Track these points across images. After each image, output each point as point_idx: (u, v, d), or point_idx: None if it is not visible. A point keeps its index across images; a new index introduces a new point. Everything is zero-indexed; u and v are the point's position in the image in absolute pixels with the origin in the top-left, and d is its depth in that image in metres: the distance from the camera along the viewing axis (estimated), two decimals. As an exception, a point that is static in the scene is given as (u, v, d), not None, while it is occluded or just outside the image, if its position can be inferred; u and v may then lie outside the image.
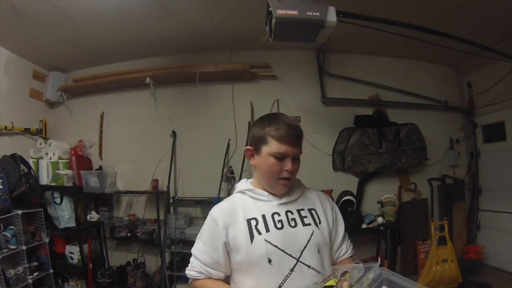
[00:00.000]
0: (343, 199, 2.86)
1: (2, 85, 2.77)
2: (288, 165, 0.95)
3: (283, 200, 1.00)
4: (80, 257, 2.85)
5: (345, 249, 1.07)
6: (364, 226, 2.84)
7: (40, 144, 3.04)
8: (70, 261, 2.90)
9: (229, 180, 2.98)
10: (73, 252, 2.89)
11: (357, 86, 3.26)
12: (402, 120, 3.21)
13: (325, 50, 3.17)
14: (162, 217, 2.88)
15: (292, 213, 0.98)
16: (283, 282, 0.90)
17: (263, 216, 0.96)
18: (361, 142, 3.03)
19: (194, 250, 1.02)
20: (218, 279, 0.99)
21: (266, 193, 1.01)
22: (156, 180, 2.94)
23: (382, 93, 3.31)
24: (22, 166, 2.70)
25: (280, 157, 0.95)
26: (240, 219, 0.96)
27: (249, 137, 1.05)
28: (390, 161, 3.03)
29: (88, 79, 3.17)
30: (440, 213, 3.25)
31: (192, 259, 1.02)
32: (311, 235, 0.96)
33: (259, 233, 0.93)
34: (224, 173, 2.96)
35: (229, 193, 2.93)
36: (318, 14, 1.58)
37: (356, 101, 3.23)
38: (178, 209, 3.01)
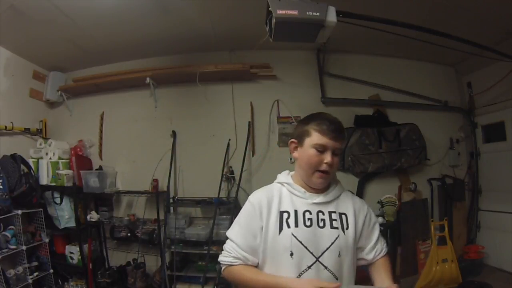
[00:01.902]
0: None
1: (2, 85, 2.77)
2: (327, 157, 1.00)
3: (317, 200, 1.03)
4: (80, 257, 2.85)
5: (380, 249, 1.11)
6: (364, 226, 2.84)
7: (40, 144, 3.04)
8: (70, 261, 2.90)
9: (229, 180, 2.98)
10: (73, 252, 2.89)
11: (357, 86, 3.26)
12: (402, 120, 3.20)
13: (325, 50, 3.17)
14: (162, 217, 2.88)
15: (323, 214, 1.02)
16: (299, 276, 0.95)
17: (296, 211, 1.00)
18: (361, 142, 3.03)
19: (230, 233, 1.05)
20: (253, 266, 1.03)
21: (303, 189, 1.05)
22: (156, 180, 2.94)
23: (382, 93, 3.31)
24: (22, 166, 2.70)
25: (320, 149, 1.00)
26: (274, 209, 1.01)
27: (294, 133, 1.11)
28: (390, 161, 3.02)
29: (88, 79, 3.17)
30: (440, 213, 3.25)
31: (227, 243, 1.04)
32: (336, 238, 0.99)
33: (288, 226, 0.98)
34: (224, 173, 2.96)
35: (229, 193, 2.94)
36: (318, 14, 1.58)
37: (356, 101, 3.23)
38: (178, 209, 3.01)
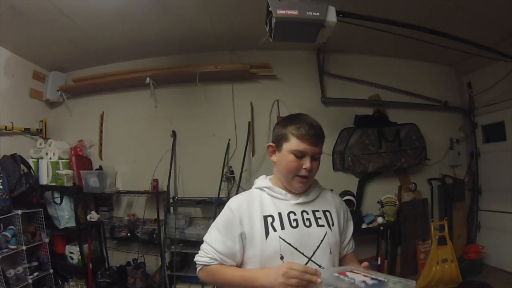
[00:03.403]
0: (343, 199, 2.83)
1: (2, 85, 2.77)
2: (306, 163, 0.98)
3: (299, 200, 1.02)
4: (80, 257, 2.85)
5: (352, 245, 1.13)
6: (364, 226, 2.85)
7: (40, 144, 3.03)
8: (70, 261, 2.90)
9: (229, 180, 2.97)
10: (73, 252, 2.89)
11: (357, 86, 3.26)
12: (402, 120, 3.20)
13: (325, 50, 3.17)
14: (162, 217, 2.88)
15: (307, 213, 1.01)
16: None
17: (279, 214, 0.99)
18: (361, 142, 3.03)
19: (207, 238, 1.02)
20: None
21: (284, 191, 1.03)
22: (156, 180, 2.94)
23: (382, 93, 3.31)
24: (22, 166, 2.70)
25: (299, 155, 0.98)
26: (257, 214, 0.99)
27: (273, 135, 1.08)
28: (390, 161, 3.03)
29: (88, 79, 3.17)
30: (440, 213, 3.25)
31: (205, 246, 1.01)
32: (324, 236, 0.99)
33: (274, 230, 0.96)
34: (224, 173, 2.96)
35: (229, 193, 2.93)
36: (318, 14, 1.58)
37: (356, 101, 3.23)
38: (178, 209, 3.01)
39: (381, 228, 2.82)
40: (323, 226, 1.00)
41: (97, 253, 3.03)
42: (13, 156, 2.67)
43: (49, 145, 2.99)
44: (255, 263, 0.97)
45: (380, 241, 2.90)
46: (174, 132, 3.14)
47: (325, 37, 1.72)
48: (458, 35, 2.20)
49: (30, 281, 2.48)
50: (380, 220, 2.83)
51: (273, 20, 1.56)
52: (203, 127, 3.16)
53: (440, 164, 3.34)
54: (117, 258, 3.09)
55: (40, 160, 2.93)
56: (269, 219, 0.98)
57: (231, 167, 3.03)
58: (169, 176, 2.99)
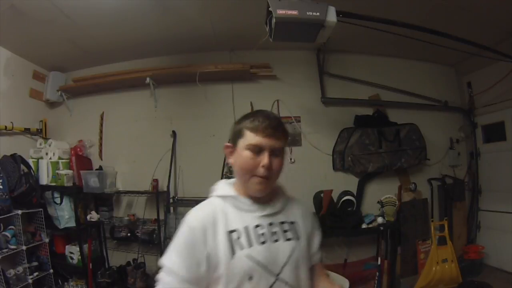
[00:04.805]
0: (343, 199, 2.86)
1: (2, 85, 2.77)
2: (264, 159, 0.86)
3: (266, 212, 0.92)
4: (80, 257, 2.84)
5: (319, 256, 1.04)
6: (364, 226, 2.84)
7: (40, 144, 3.03)
8: (70, 261, 2.90)
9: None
10: (73, 252, 2.89)
11: (357, 86, 3.26)
12: (402, 120, 3.20)
13: (325, 50, 3.17)
14: (162, 217, 2.88)
15: (274, 226, 0.91)
16: None
17: (246, 228, 0.87)
18: (361, 142, 3.03)
19: (168, 263, 0.84)
20: None
21: (249, 201, 0.91)
22: (156, 180, 2.94)
23: (382, 93, 3.31)
24: (22, 166, 2.70)
25: (255, 150, 0.87)
26: (221, 229, 0.86)
27: (230, 135, 0.96)
28: (390, 161, 3.03)
29: (88, 79, 3.17)
30: (440, 213, 3.25)
31: (164, 276, 0.84)
32: (292, 250, 0.90)
33: (241, 248, 0.85)
34: (224, 173, 2.96)
35: (229, 193, 2.93)
36: (318, 14, 1.58)
37: (356, 101, 3.23)
38: (178, 209, 3.01)
39: (381, 228, 2.81)
40: (290, 239, 0.91)
41: (97, 253, 3.03)
42: (13, 156, 2.67)
43: (49, 145, 2.99)
44: (222, 284, 0.84)
45: (380, 241, 2.90)
46: (174, 132, 3.14)
47: (325, 37, 1.72)
48: (458, 35, 2.20)
49: (30, 281, 2.48)
50: (380, 220, 2.83)
51: (273, 20, 1.56)
52: (203, 127, 3.15)
53: (440, 164, 3.34)
54: (117, 258, 3.09)
55: (40, 160, 2.93)
56: (234, 235, 0.86)
57: (231, 167, 3.03)
58: (169, 176, 2.99)
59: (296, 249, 0.92)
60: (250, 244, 0.85)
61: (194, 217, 0.89)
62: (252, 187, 0.89)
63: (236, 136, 0.91)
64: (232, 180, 1.01)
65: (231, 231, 0.86)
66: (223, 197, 0.93)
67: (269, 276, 0.85)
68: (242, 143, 0.89)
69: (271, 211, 0.92)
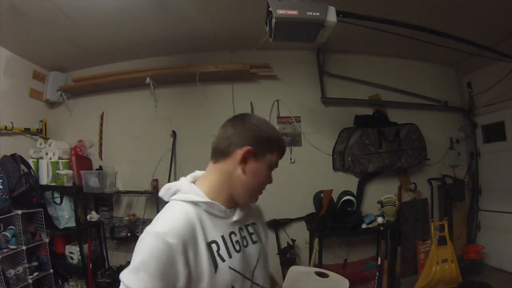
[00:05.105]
0: (343, 199, 2.86)
1: (2, 85, 2.77)
2: (271, 177, 0.90)
3: (236, 217, 0.87)
4: (80, 257, 2.84)
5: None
6: (364, 226, 2.84)
7: (40, 144, 3.03)
8: (70, 261, 2.89)
9: (229, 180, 2.97)
10: (73, 252, 2.88)
11: (357, 86, 3.26)
12: (402, 120, 3.21)
13: (325, 50, 3.17)
14: (162, 217, 2.87)
15: (243, 230, 0.90)
16: None
17: (223, 238, 0.83)
18: (361, 142, 3.03)
19: (133, 283, 0.67)
20: None
21: (223, 207, 0.85)
22: (156, 180, 2.94)
23: (382, 93, 3.31)
24: (22, 166, 2.69)
25: (272, 169, 0.89)
26: (201, 242, 0.77)
27: (253, 137, 0.85)
28: (390, 161, 3.03)
29: (88, 79, 3.17)
30: (440, 213, 3.25)
31: None
32: (259, 252, 0.92)
33: (223, 260, 0.80)
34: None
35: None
36: (318, 14, 1.58)
37: (356, 101, 3.23)
38: (178, 209, 3.00)
39: (381, 228, 2.81)
40: (256, 242, 0.92)
41: (97, 253, 3.03)
42: (13, 156, 2.66)
43: (49, 145, 2.98)
44: None
45: (380, 241, 2.91)
46: (174, 132, 3.14)
47: (325, 37, 1.72)
48: (458, 35, 2.20)
49: (30, 281, 2.48)
50: (380, 220, 2.83)
51: (273, 20, 1.56)
52: (203, 127, 3.14)
53: (440, 164, 3.34)
54: (117, 258, 3.08)
55: (40, 160, 2.93)
56: (214, 247, 0.80)
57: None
58: (169, 176, 2.99)
59: (262, 250, 0.93)
60: (229, 255, 0.82)
61: (170, 230, 0.73)
62: (252, 201, 0.90)
63: (265, 146, 0.85)
64: (193, 177, 0.95)
65: (210, 243, 0.80)
66: (196, 203, 0.82)
67: (247, 282, 0.85)
68: (269, 158, 0.86)
69: (239, 216, 0.88)
